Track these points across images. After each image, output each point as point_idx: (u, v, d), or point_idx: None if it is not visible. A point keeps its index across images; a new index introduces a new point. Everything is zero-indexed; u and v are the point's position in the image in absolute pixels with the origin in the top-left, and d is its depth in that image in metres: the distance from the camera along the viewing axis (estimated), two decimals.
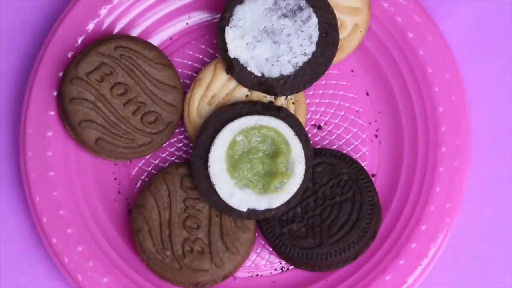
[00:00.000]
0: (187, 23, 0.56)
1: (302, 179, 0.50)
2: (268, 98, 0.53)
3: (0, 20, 0.55)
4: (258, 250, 0.54)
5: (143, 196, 0.52)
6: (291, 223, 0.52)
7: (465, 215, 0.55)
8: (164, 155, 0.55)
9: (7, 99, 0.55)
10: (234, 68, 0.50)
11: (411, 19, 0.54)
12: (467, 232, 0.55)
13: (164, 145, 0.54)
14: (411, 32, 0.54)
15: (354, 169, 0.53)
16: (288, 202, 0.51)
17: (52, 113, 0.53)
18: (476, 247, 0.55)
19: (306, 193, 0.52)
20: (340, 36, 0.53)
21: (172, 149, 0.55)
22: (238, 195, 0.50)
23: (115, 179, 0.54)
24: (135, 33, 0.55)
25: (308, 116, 0.55)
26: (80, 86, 0.52)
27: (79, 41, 0.53)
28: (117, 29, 0.54)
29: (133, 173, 0.55)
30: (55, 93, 0.53)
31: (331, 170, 0.52)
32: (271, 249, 0.54)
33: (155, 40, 0.55)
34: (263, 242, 0.54)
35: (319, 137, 0.55)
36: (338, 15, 0.53)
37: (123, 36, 0.53)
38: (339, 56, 0.54)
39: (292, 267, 0.54)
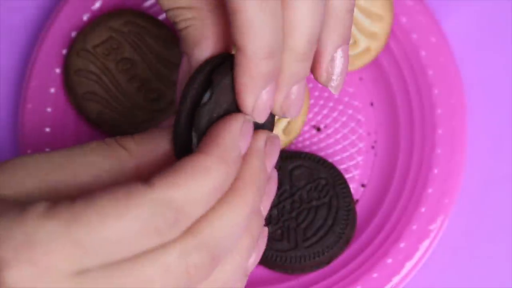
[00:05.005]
0: None
1: None
2: None
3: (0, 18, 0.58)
4: None
5: None
6: (267, 224, 0.53)
7: (465, 215, 0.56)
8: None
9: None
10: None
11: (426, 39, 0.55)
12: (467, 232, 0.56)
13: None
14: (424, 51, 0.55)
15: (332, 174, 0.54)
16: None
17: (58, 70, 0.55)
18: (477, 247, 0.56)
19: (283, 195, 0.54)
20: (349, 53, 0.54)
21: None
22: None
23: None
24: (154, 7, 0.56)
25: (310, 116, 0.57)
26: (86, 58, 0.54)
27: (96, 7, 0.55)
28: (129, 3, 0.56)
29: None
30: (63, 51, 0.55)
31: (309, 174, 0.54)
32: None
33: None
34: None
35: (316, 139, 0.57)
36: (355, 32, 0.54)
37: (133, 11, 0.55)
38: None
39: None
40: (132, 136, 0.41)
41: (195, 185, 0.37)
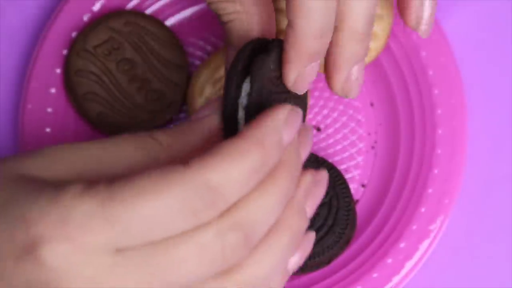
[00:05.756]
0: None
1: None
2: None
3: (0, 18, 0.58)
4: None
5: None
6: None
7: (465, 215, 0.57)
8: None
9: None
10: None
11: (426, 39, 0.56)
12: (467, 232, 0.57)
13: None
14: (424, 51, 0.56)
15: (332, 174, 0.54)
16: None
17: (58, 70, 0.55)
18: (477, 247, 0.57)
19: None
20: None
21: (171, 127, 0.57)
22: None
23: None
24: (154, 7, 0.56)
25: (310, 116, 0.57)
26: (86, 59, 0.54)
27: (96, 7, 0.55)
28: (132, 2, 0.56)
29: None
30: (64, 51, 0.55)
31: None
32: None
33: (174, 18, 0.57)
34: None
35: (316, 139, 0.57)
36: None
37: (134, 12, 0.55)
38: None
39: None
40: (163, 129, 0.42)
41: (231, 167, 0.38)
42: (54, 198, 0.37)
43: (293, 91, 0.44)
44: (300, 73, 0.43)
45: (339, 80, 0.45)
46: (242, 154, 0.38)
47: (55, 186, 0.37)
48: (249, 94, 0.41)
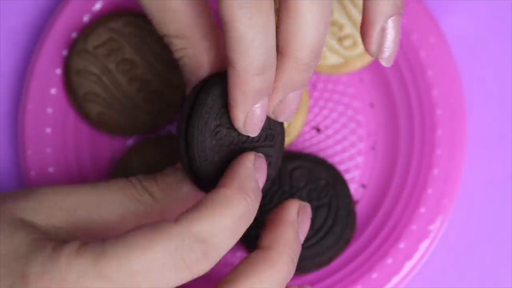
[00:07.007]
0: None
1: None
2: None
3: (0, 19, 0.58)
4: (234, 251, 0.56)
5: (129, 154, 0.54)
6: None
7: (465, 215, 0.57)
8: (163, 132, 0.57)
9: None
10: None
11: (426, 39, 0.56)
12: (467, 233, 0.57)
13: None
14: (424, 51, 0.56)
15: (332, 174, 0.54)
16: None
17: (58, 70, 0.55)
18: (477, 248, 0.57)
19: (283, 196, 0.54)
20: (349, 53, 0.55)
21: (170, 127, 0.57)
22: None
23: (110, 147, 0.56)
24: None
25: (310, 117, 0.57)
26: (86, 59, 0.54)
27: (96, 8, 0.55)
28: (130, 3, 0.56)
29: (127, 143, 0.57)
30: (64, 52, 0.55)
31: (309, 174, 0.54)
32: (247, 250, 0.56)
33: None
34: (239, 243, 0.55)
35: (316, 139, 0.57)
36: (355, 33, 0.55)
37: (134, 12, 0.55)
38: (341, 71, 0.55)
39: None
40: (155, 178, 0.44)
41: (219, 216, 0.39)
42: (52, 256, 0.38)
43: (245, 134, 0.43)
44: (249, 114, 0.42)
45: (272, 102, 0.43)
46: (226, 203, 0.40)
47: (53, 242, 0.39)
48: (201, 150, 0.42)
